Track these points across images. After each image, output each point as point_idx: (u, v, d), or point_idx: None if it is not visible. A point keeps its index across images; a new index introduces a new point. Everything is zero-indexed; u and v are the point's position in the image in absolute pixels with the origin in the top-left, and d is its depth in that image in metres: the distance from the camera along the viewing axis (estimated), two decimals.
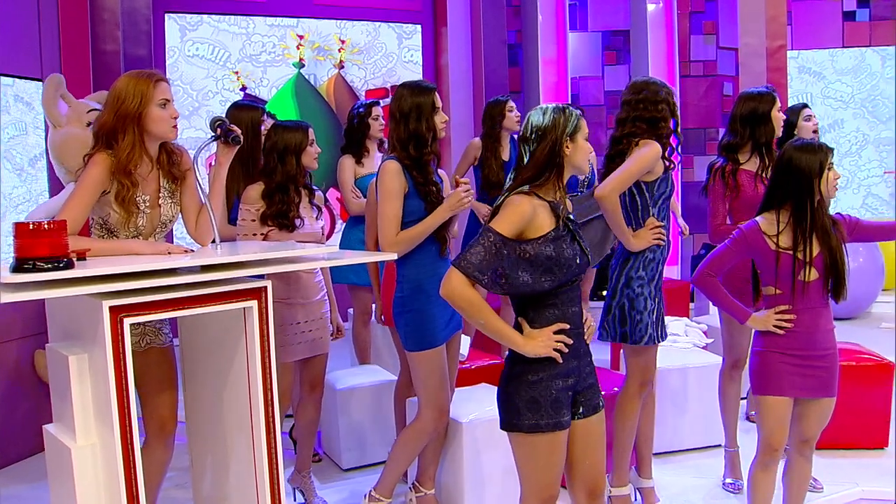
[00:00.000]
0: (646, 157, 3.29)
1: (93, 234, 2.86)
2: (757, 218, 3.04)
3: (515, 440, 2.51)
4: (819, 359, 2.99)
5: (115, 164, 2.75)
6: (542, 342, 2.44)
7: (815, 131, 4.34)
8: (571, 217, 2.57)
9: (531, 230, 2.43)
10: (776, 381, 2.99)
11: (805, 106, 4.48)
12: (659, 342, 3.41)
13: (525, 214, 2.42)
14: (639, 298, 3.35)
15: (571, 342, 2.48)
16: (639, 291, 3.35)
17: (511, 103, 5.18)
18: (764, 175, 3.68)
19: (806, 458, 3.12)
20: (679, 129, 3.49)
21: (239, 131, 2.93)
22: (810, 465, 3.15)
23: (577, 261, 2.49)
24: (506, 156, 5.15)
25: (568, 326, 2.48)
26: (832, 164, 2.97)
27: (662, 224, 3.39)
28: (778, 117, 3.76)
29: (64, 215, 2.62)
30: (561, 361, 2.46)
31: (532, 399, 2.45)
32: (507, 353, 2.58)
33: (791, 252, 2.94)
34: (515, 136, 5.16)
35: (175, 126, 2.85)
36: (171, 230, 3.10)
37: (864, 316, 7.37)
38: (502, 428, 2.54)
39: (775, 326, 2.98)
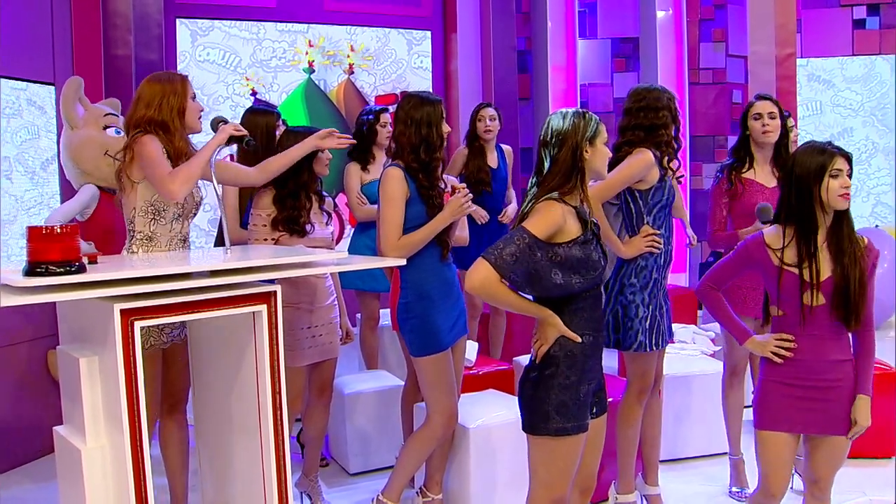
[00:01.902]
0: (634, 165, 3.31)
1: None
2: (765, 229, 2.76)
3: (538, 442, 2.53)
4: (825, 391, 2.65)
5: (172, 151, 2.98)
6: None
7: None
8: (595, 221, 2.62)
9: (561, 235, 2.47)
10: (773, 414, 2.69)
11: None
12: (652, 350, 3.39)
13: (557, 220, 2.46)
14: (631, 306, 3.36)
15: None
16: (631, 299, 3.36)
17: (485, 111, 4.92)
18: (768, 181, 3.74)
19: (817, 499, 2.76)
20: (679, 136, 3.49)
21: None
22: None
23: (602, 263, 2.55)
24: (493, 163, 4.97)
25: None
26: (839, 170, 2.57)
27: (657, 232, 3.39)
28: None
29: (164, 177, 2.84)
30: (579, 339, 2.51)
31: (562, 403, 2.48)
32: (530, 358, 2.61)
33: (796, 270, 2.61)
34: (501, 145, 5.07)
35: (200, 118, 3.19)
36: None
37: (888, 326, 7.09)
38: (526, 431, 2.56)
39: (773, 353, 2.69)
